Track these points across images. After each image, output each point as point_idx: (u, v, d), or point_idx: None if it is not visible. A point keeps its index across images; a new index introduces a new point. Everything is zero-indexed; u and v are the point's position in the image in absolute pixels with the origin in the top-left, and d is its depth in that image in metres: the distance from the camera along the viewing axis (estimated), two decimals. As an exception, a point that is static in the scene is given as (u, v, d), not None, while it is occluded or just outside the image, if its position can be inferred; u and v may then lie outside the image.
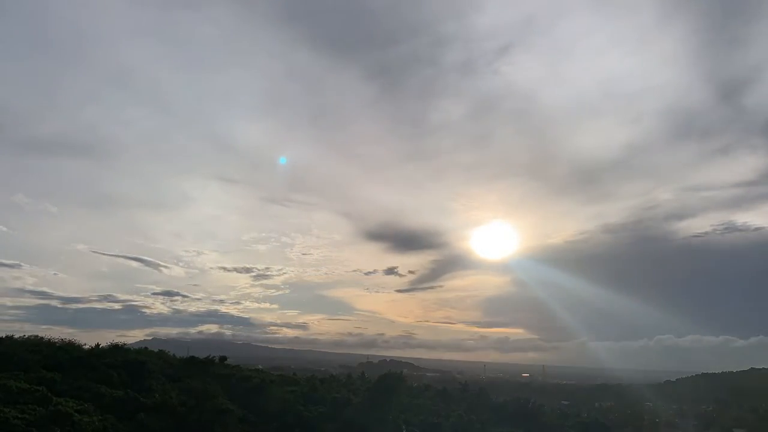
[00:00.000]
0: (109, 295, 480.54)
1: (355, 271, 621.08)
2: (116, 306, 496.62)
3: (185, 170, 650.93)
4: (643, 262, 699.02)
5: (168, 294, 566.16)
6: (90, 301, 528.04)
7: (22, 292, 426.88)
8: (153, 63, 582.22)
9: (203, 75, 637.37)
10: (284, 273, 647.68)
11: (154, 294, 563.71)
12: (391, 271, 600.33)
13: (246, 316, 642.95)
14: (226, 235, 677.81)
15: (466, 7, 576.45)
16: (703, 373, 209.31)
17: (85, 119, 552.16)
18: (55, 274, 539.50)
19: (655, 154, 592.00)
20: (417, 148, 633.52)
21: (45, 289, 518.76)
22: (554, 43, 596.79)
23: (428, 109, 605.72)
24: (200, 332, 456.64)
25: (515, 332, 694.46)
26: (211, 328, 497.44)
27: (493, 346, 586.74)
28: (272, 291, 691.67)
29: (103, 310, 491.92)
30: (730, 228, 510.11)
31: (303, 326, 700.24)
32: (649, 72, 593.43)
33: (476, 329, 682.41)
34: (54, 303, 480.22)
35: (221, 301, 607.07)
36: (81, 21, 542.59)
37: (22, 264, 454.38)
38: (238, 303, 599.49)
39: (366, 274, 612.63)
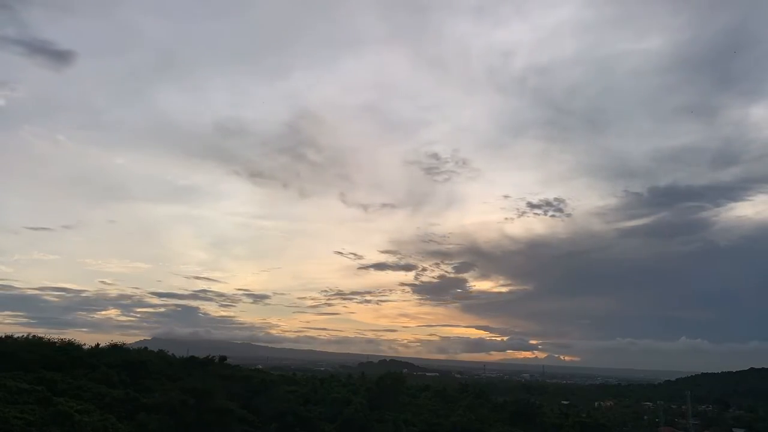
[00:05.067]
0: (109, 295, 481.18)
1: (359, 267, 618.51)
2: (115, 305, 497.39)
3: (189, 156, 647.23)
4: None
5: (166, 295, 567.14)
6: (89, 300, 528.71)
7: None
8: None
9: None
10: (286, 271, 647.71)
11: (153, 294, 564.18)
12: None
13: (247, 316, 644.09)
14: (223, 229, 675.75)
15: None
16: (703, 373, 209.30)
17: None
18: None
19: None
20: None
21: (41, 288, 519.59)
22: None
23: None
24: (199, 332, 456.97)
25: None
26: (211, 328, 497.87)
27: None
28: (272, 290, 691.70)
29: (103, 309, 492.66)
30: None
31: (300, 327, 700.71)
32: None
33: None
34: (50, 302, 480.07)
35: (223, 302, 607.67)
36: None
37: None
38: (240, 302, 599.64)
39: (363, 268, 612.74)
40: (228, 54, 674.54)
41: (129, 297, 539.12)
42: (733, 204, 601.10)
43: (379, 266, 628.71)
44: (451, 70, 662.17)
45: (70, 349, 53.24)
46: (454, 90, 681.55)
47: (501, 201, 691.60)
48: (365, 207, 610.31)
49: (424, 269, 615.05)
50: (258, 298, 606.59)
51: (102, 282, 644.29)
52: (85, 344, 57.40)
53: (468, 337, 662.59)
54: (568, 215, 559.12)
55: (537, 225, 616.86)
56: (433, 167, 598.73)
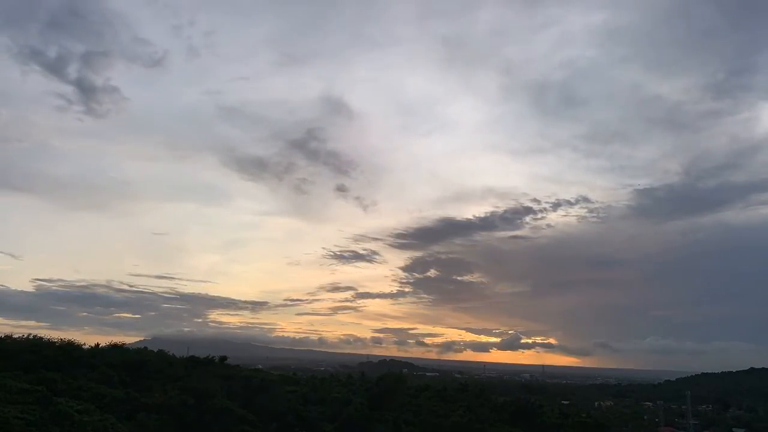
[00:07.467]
0: (109, 295, 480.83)
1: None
2: (115, 305, 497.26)
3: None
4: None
5: (166, 294, 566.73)
6: (90, 300, 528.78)
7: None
8: None
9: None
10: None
11: (153, 293, 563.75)
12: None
13: (248, 316, 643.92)
14: (225, 228, 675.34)
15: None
16: (703, 373, 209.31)
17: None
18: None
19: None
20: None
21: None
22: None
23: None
24: (200, 332, 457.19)
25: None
26: (211, 328, 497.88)
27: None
28: (272, 290, 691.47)
29: (103, 309, 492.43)
30: None
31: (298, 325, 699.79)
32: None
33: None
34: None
35: (223, 302, 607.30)
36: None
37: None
38: (240, 302, 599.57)
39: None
40: (236, 48, 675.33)
41: (129, 296, 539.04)
42: (741, 205, 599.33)
43: (382, 266, 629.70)
44: (479, 75, 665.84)
45: (70, 349, 53.17)
46: (480, 93, 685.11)
47: (505, 201, 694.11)
48: (368, 205, 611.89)
49: (427, 269, 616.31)
50: (258, 297, 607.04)
51: (101, 281, 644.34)
52: (85, 344, 57.40)
53: (467, 338, 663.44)
54: (575, 215, 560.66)
55: (540, 225, 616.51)
56: (443, 167, 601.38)
